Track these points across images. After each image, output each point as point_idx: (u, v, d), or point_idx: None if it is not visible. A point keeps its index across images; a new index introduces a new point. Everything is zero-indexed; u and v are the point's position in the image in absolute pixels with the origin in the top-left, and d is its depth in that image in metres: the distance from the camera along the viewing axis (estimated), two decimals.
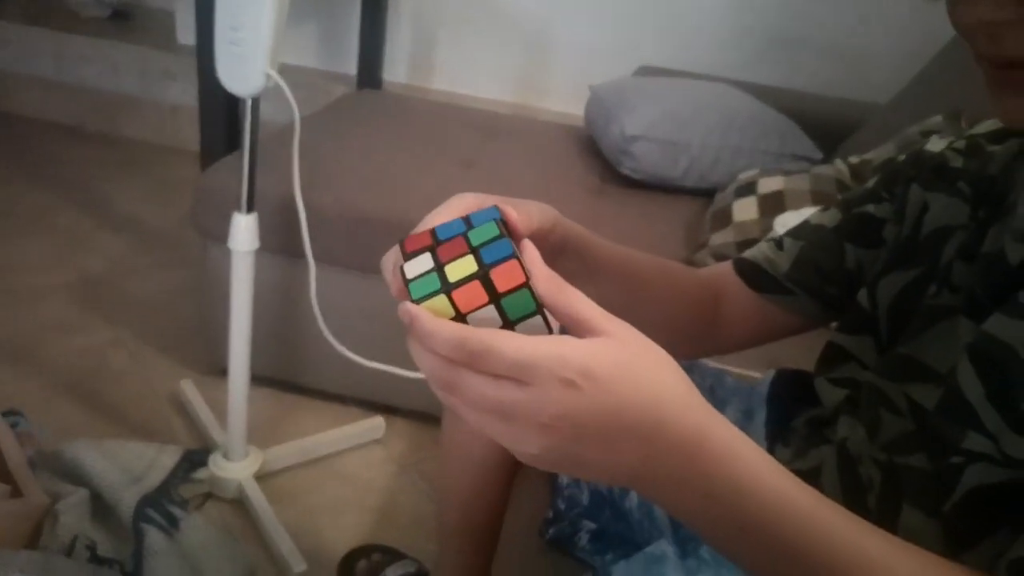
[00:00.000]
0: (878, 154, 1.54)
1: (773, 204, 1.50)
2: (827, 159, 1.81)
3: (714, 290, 0.79)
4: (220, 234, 1.40)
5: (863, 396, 0.65)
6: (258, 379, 1.51)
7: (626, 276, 0.70)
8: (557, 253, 0.61)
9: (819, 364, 0.75)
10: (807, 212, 1.42)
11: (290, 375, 1.72)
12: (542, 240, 0.57)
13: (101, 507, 1.34)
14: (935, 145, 0.69)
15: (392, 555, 1.35)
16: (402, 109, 2.17)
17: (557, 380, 0.39)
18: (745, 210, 1.53)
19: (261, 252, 1.31)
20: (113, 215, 2.45)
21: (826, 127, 1.94)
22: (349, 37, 2.75)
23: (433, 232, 0.48)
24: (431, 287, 0.43)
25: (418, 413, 1.71)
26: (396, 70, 2.82)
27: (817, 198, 1.48)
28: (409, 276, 0.44)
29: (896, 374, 0.61)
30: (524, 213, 0.54)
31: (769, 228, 1.42)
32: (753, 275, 0.78)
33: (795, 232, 0.79)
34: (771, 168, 1.66)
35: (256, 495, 1.43)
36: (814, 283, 0.76)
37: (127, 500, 1.33)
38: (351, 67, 2.68)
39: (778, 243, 0.79)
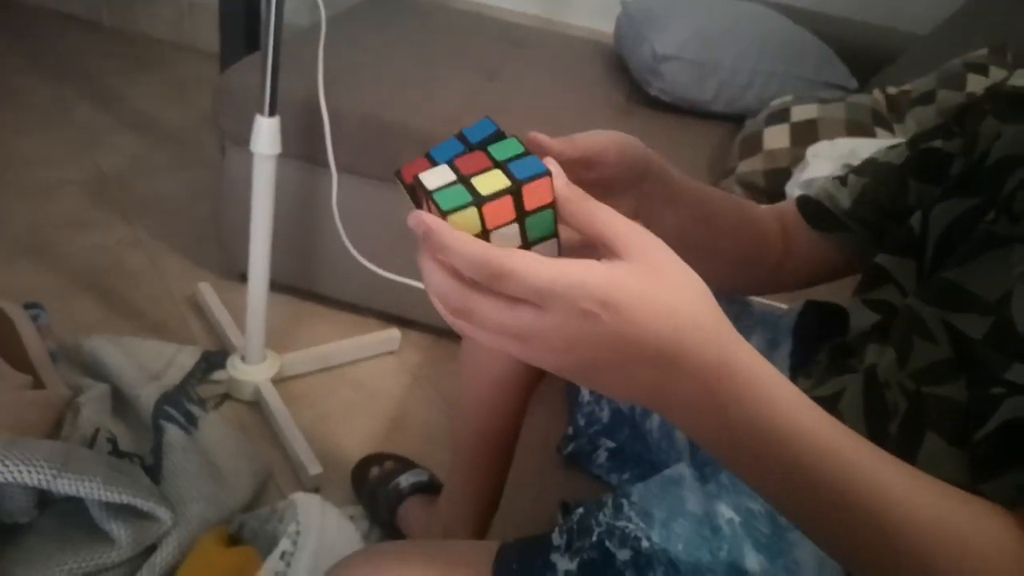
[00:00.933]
0: (917, 86, 1.50)
1: (806, 133, 1.46)
2: (862, 88, 1.76)
3: (780, 227, 0.79)
4: (240, 137, 1.38)
5: (897, 321, 0.65)
6: (276, 285, 1.51)
7: (702, 205, 0.71)
8: (638, 179, 0.64)
9: (859, 285, 0.74)
10: (841, 142, 1.39)
11: (308, 283, 1.73)
12: (611, 166, 0.61)
13: (120, 402, 1.37)
14: (1019, 80, 0.67)
15: (404, 464, 1.37)
16: (424, 15, 2.10)
17: (576, 309, 0.39)
18: (777, 138, 1.49)
19: (281, 157, 1.30)
20: (129, 112, 2.42)
21: (862, 55, 1.87)
22: None
23: (428, 155, 0.46)
24: (461, 199, 0.41)
25: (433, 327, 1.72)
26: None
27: (852, 128, 1.44)
28: (431, 187, 0.42)
29: (938, 299, 0.60)
30: (566, 141, 0.57)
31: (800, 157, 1.39)
32: (812, 211, 0.78)
33: (859, 169, 0.77)
34: (805, 95, 1.61)
35: (273, 398, 1.45)
36: (874, 219, 0.75)
37: (145, 397, 1.35)
38: None
39: (842, 180, 0.78)
